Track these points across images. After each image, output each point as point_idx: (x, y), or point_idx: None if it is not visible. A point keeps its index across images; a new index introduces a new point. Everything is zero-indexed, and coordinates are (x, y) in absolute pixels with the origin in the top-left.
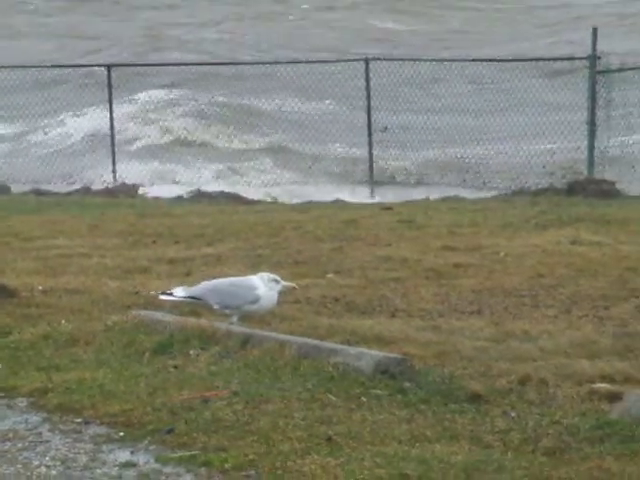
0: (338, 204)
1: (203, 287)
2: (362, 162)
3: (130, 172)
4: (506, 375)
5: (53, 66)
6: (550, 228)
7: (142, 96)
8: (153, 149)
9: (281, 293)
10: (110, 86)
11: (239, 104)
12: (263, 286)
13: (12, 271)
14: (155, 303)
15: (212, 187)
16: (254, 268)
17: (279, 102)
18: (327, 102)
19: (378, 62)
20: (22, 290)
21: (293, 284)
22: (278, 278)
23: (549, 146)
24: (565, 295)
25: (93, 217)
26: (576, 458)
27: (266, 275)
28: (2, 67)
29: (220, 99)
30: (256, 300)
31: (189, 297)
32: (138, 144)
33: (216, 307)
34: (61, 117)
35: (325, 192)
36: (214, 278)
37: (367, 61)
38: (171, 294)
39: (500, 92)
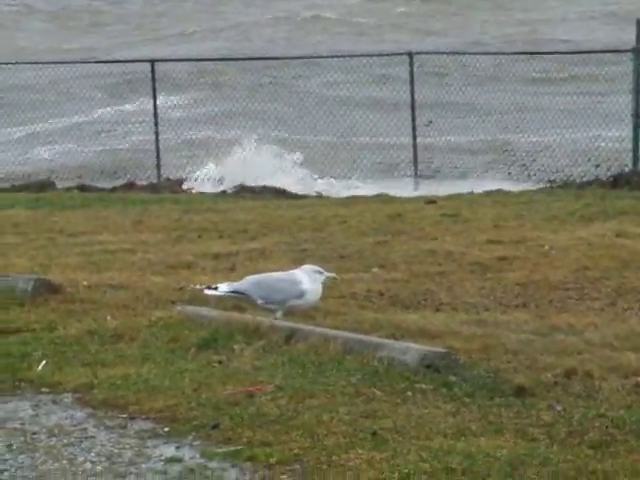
0: (382, 198)
1: (247, 282)
2: (406, 155)
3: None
4: (551, 368)
5: (98, 62)
6: (595, 221)
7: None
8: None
9: (325, 286)
10: (154, 80)
11: None
12: (308, 280)
13: (57, 267)
14: (199, 298)
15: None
16: (298, 263)
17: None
18: (370, 95)
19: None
20: (67, 286)
21: (334, 274)
22: (321, 269)
23: (595, 140)
24: (610, 288)
25: (137, 213)
26: (622, 451)
27: (309, 267)
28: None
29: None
30: (301, 295)
31: (233, 292)
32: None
33: (260, 302)
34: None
35: (369, 186)
36: (258, 273)
37: (411, 55)
38: (216, 289)
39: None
